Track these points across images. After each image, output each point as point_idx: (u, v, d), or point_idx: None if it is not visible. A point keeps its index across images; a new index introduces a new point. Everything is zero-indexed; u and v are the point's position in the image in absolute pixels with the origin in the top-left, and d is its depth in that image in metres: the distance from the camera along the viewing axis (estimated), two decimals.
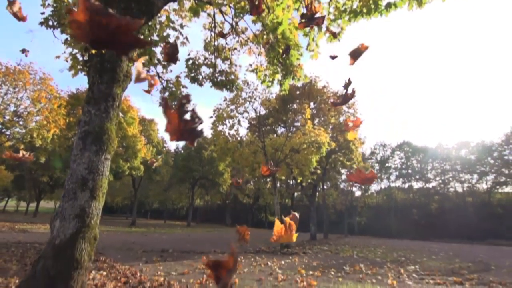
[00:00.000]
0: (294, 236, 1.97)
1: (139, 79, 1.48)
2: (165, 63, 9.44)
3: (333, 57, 3.44)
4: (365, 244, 16.50)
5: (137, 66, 1.52)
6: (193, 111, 1.37)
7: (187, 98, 1.41)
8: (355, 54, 2.83)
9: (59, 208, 3.55)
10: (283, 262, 8.26)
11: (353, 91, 2.91)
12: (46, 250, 3.38)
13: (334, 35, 5.97)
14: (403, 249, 14.07)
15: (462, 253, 13.03)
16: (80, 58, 4.29)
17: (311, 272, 6.71)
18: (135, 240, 12.87)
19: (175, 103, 1.49)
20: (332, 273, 6.81)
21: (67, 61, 4.38)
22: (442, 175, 34.19)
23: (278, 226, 1.99)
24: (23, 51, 7.54)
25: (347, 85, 2.90)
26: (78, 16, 0.93)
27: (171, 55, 2.61)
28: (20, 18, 2.81)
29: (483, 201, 31.52)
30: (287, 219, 2.13)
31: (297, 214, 2.42)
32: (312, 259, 9.33)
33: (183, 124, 1.32)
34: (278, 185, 31.24)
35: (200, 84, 9.08)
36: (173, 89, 9.72)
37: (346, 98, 2.89)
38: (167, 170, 29.15)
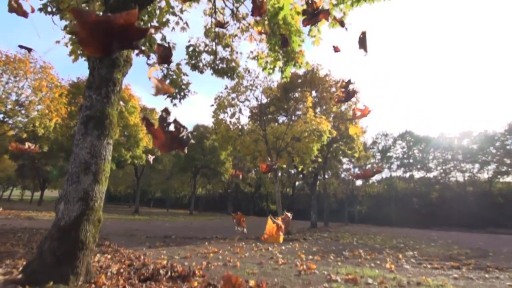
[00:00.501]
0: (281, 238, 2.01)
1: (158, 92, 1.36)
2: None
3: (336, 50, 3.38)
4: (365, 232, 16.72)
5: (153, 80, 1.36)
6: (175, 121, 1.39)
7: (166, 111, 1.44)
8: (363, 42, 2.78)
9: (63, 191, 3.62)
10: (283, 247, 8.42)
11: (354, 90, 2.86)
12: (52, 231, 3.47)
13: (342, 24, 5.84)
14: (402, 237, 14.25)
15: (461, 241, 13.18)
16: None
17: (310, 257, 6.85)
18: (138, 227, 13.10)
19: (159, 116, 1.45)
20: (332, 257, 6.95)
21: (67, 46, 4.37)
22: (444, 165, 34.21)
23: (270, 225, 2.03)
24: (28, 50, 7.50)
25: (347, 84, 2.86)
26: (81, 33, 0.95)
27: (164, 57, 2.54)
28: (21, 13, 2.72)
29: (484, 191, 31.64)
30: (278, 219, 2.17)
31: (289, 215, 2.45)
32: (312, 245, 9.49)
33: (169, 136, 1.35)
34: (279, 174, 31.39)
35: (201, 72, 9.02)
36: (174, 76, 9.67)
37: (349, 95, 2.85)
38: (169, 159, 29.35)
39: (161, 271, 4.24)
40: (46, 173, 34.87)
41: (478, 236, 17.18)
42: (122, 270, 4.36)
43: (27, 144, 3.12)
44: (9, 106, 19.63)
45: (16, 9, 2.65)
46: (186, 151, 1.38)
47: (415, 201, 33.52)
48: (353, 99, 17.77)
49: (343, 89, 2.92)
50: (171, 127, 1.39)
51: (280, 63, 8.09)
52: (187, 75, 9.64)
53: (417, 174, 36.77)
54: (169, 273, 4.25)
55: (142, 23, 7.16)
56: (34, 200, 44.45)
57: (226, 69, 9.44)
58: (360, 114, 2.80)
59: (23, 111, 19.68)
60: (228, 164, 29.64)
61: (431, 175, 35.35)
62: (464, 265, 6.64)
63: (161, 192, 45.90)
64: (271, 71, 8.17)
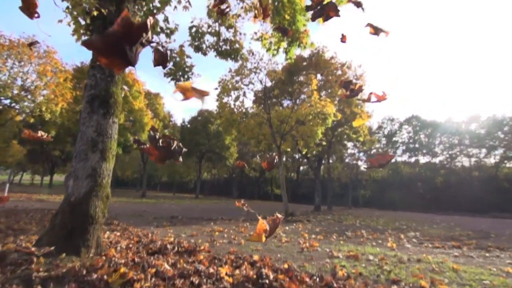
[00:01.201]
0: (263, 237, 2.04)
1: (186, 97, 1.41)
2: (168, 32, 9.24)
3: (343, 40, 3.30)
4: (368, 215, 16.90)
5: (179, 85, 1.41)
6: (164, 136, 1.49)
7: (153, 129, 1.53)
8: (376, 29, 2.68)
9: (72, 168, 3.72)
10: (287, 228, 8.60)
11: (360, 87, 2.76)
12: (63, 206, 3.61)
13: (358, 4, 5.60)
14: (405, 219, 14.39)
15: (464, 224, 13.27)
16: (83, 22, 4.25)
17: (313, 236, 7.00)
18: (145, 209, 13.44)
19: (148, 135, 1.52)
20: (334, 237, 7.09)
21: (69, 26, 4.35)
22: (450, 150, 33.88)
23: (261, 225, 2.06)
24: (31, 44, 7.49)
25: (346, 84, 2.77)
26: (102, 59, 1.01)
27: (161, 62, 2.50)
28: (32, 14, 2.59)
29: (490, 176, 31.41)
30: (269, 219, 2.19)
31: (280, 216, 2.49)
32: (315, 226, 9.66)
33: (162, 150, 1.45)
34: (284, 159, 31.47)
35: (204, 53, 8.94)
36: (177, 59, 9.60)
37: (354, 92, 2.76)
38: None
39: (168, 246, 4.40)
40: (54, 158, 35.58)
41: (481, 220, 17.25)
42: (131, 245, 4.54)
43: (40, 133, 3.16)
44: (15, 91, 19.80)
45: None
46: (181, 159, 1.51)
47: (419, 185, 33.51)
48: (360, 81, 17.50)
49: (344, 88, 2.84)
50: (161, 142, 1.50)
51: (284, 44, 7.95)
52: (190, 57, 9.55)
53: (423, 159, 36.55)
54: (176, 248, 4.41)
55: (144, 3, 7.06)
56: (44, 184, 45.64)
57: (229, 51, 9.33)
58: (376, 99, 2.66)
59: (29, 96, 19.86)
60: (233, 149, 29.80)
61: (436, 160, 35.12)
62: (465, 245, 6.73)
63: (168, 177, 46.59)
64: (275, 52, 8.04)
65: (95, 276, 2.68)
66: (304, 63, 16.03)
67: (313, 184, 21.73)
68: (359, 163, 31.80)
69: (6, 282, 2.56)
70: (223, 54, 9.22)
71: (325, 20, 2.87)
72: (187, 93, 1.39)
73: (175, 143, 1.43)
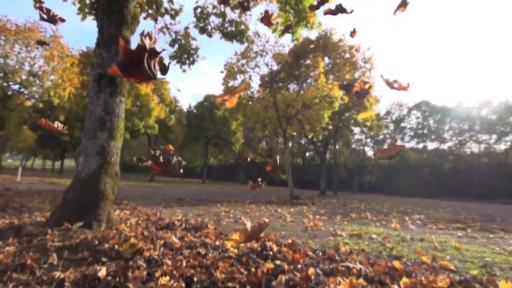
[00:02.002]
0: (236, 236, 2.03)
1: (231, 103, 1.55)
2: (173, 13, 9.12)
3: (352, 35, 3.21)
4: (374, 199, 16.98)
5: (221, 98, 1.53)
6: (163, 153, 1.63)
7: (154, 149, 1.65)
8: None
9: (81, 146, 3.82)
10: (292, 209, 8.73)
11: (368, 87, 2.63)
12: (74, 183, 3.73)
13: None
14: (411, 204, 14.43)
15: (470, 209, 13.25)
16: (87, 1, 4.24)
17: (318, 217, 7.11)
18: (154, 191, 13.75)
19: (149, 153, 1.65)
20: (338, 218, 7.19)
21: (74, 5, 4.34)
22: (459, 136, 33.32)
23: (243, 230, 2.07)
24: (41, 43, 7.44)
25: (347, 86, 2.67)
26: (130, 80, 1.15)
27: (161, 70, 2.47)
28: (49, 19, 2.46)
29: (499, 162, 30.93)
30: (256, 224, 2.19)
31: (267, 221, 2.52)
32: (320, 208, 9.78)
33: (163, 166, 1.59)
34: (290, 144, 31.37)
35: (209, 35, 8.82)
36: (183, 41, 9.52)
37: (362, 92, 2.64)
38: (180, 129, 29.79)
39: (176, 223, 4.54)
40: (64, 143, 36.27)
41: (489, 206, 17.16)
42: (140, 222, 4.70)
43: (56, 124, 3.20)
44: (24, 77, 20.02)
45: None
46: (181, 171, 1.69)
47: (427, 171, 33.27)
48: (368, 65, 17.12)
49: (344, 90, 2.75)
50: (161, 159, 1.63)
51: None
52: (195, 40, 9.46)
53: (431, 145, 36.10)
54: (184, 225, 4.55)
55: None
56: (55, 169, 46.84)
57: (235, 33, 9.19)
58: (398, 87, 2.50)
59: (37, 81, 20.08)
60: (239, 134, 29.89)
61: (445, 146, 34.63)
62: (469, 227, 6.75)
63: None
64: (281, 32, 7.90)
65: (106, 246, 2.81)
66: (312, 46, 15.70)
67: (319, 170, 21.78)
68: (366, 148, 31.57)
69: (23, 250, 2.71)
70: (228, 36, 9.09)
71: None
72: (231, 99, 1.49)
73: (175, 158, 1.59)
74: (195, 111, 30.97)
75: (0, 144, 32.04)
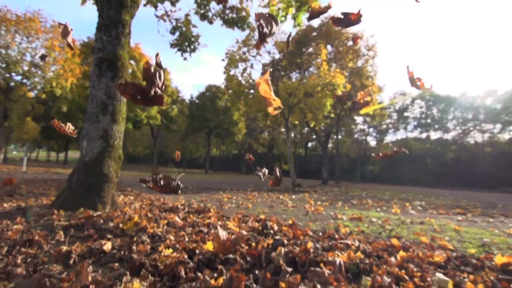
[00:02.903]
0: (210, 245, 2.04)
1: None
2: (174, 0, 9.02)
3: (355, 42, 3.06)
4: (376, 188, 17.05)
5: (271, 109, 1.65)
6: (164, 177, 1.84)
7: (156, 173, 1.86)
8: None
9: (84, 130, 3.87)
10: (294, 196, 8.82)
11: (368, 99, 2.47)
12: (78, 166, 3.80)
13: None
14: (412, 192, 14.48)
15: (472, 197, 13.27)
16: None
17: (319, 203, 7.17)
18: None
19: (151, 178, 1.86)
20: (340, 204, 7.26)
21: None
22: (463, 125, 33.04)
23: (216, 238, 2.07)
24: (42, 57, 7.37)
25: (342, 99, 2.54)
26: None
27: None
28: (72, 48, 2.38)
29: (502, 151, 30.74)
30: (232, 237, 2.17)
31: (245, 234, 2.54)
32: (321, 195, 9.86)
33: (163, 188, 1.84)
34: (292, 135, 31.34)
35: (210, 22, 8.74)
36: (183, 29, 9.44)
37: (363, 104, 2.51)
38: (183, 119, 29.82)
39: (179, 207, 4.63)
40: (67, 134, 36.47)
41: (490, 195, 17.16)
42: (144, 206, 4.79)
43: (68, 125, 3.19)
44: (26, 68, 20.01)
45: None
46: (180, 192, 1.94)
47: (429, 161, 33.19)
48: (371, 53, 16.89)
49: (339, 103, 2.63)
50: (162, 182, 1.85)
51: (292, 10, 7.69)
52: (196, 27, 9.38)
53: (434, 135, 35.87)
54: (187, 209, 4.64)
55: None
56: (59, 161, 47.31)
57: (236, 19, 9.10)
58: (420, 85, 2.30)
59: (39, 72, 20.07)
60: (241, 125, 29.88)
61: (448, 135, 34.41)
62: (470, 212, 6.80)
63: None
64: (283, 18, 7.80)
65: (111, 224, 2.89)
66: (314, 33, 15.48)
67: (321, 160, 21.81)
68: (369, 138, 31.46)
69: (31, 228, 2.79)
70: (229, 23, 9.00)
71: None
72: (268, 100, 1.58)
73: (174, 182, 1.86)
74: (197, 101, 30.91)
75: (5, 135, 32.33)
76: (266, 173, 3.10)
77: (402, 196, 11.50)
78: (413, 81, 2.17)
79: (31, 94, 23.59)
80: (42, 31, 19.30)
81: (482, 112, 31.49)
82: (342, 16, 2.37)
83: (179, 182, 1.98)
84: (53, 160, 53.44)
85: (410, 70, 2.08)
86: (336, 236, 3.01)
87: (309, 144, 39.03)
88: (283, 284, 1.57)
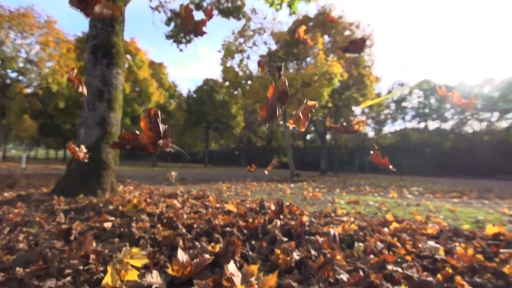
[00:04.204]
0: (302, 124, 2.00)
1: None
2: None
3: (347, 63, 2.99)
4: (374, 177, 17.17)
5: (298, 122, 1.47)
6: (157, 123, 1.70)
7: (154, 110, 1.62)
8: None
9: (82, 118, 3.89)
10: (292, 185, 8.89)
11: (358, 129, 2.37)
12: None
13: None
14: (410, 180, 14.60)
15: (469, 183, 13.39)
16: None
17: (317, 190, 7.25)
18: (157, 174, 13.94)
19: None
20: (338, 191, 7.33)
21: None
22: (461, 114, 33.14)
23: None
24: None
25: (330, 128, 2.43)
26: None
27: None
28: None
29: (500, 140, 30.88)
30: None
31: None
32: (320, 184, 9.94)
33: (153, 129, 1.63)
34: (291, 128, 31.47)
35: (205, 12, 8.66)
36: (179, 20, 9.36)
37: (352, 131, 2.40)
38: (181, 114, 29.75)
39: (178, 193, 4.68)
40: (65, 132, 36.43)
41: (487, 182, 17.32)
42: (143, 194, 4.84)
43: (82, 147, 3.13)
44: (21, 64, 19.86)
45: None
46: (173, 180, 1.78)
47: (428, 151, 33.33)
48: (368, 42, 16.79)
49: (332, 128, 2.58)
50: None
51: None
52: None
53: (432, 125, 35.96)
54: (186, 196, 4.68)
55: None
56: (58, 158, 47.30)
57: (231, 9, 9.03)
58: (455, 101, 2.04)
59: (35, 68, 19.94)
60: (239, 118, 29.85)
61: (447, 125, 34.52)
62: (466, 195, 6.89)
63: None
64: (278, 6, 7.75)
65: (111, 207, 2.93)
66: (311, 23, 15.39)
67: (320, 152, 21.89)
68: (367, 129, 31.53)
69: (32, 212, 2.83)
70: (224, 12, 8.94)
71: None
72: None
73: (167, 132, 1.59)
74: (194, 95, 30.80)
75: (3, 133, 32.19)
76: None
77: (400, 183, 11.60)
78: (444, 97, 1.90)
79: (27, 91, 23.42)
80: (36, 27, 19.10)
81: (479, 101, 31.54)
82: (349, 45, 2.36)
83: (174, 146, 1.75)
84: (52, 158, 53.41)
85: (440, 91, 1.79)
86: (333, 215, 3.07)
87: (308, 136, 39.08)
88: (278, 251, 1.62)
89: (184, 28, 1.62)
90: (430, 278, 1.25)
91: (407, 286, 1.21)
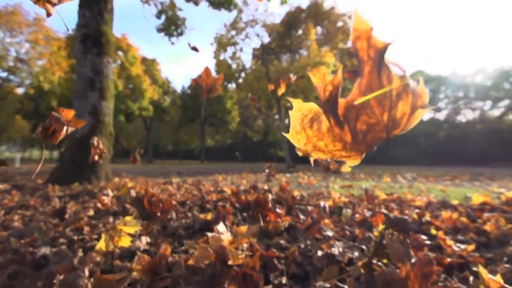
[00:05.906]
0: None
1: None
2: None
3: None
4: (369, 167, 17.34)
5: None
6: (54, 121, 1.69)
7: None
8: None
9: (73, 107, 3.88)
10: (288, 175, 8.97)
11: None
12: (69, 144, 3.83)
13: None
14: (404, 169, 14.78)
15: (462, 170, 13.59)
16: None
17: (313, 177, 7.32)
18: (153, 170, 13.94)
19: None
20: (332, 178, 7.41)
21: None
22: (454, 103, 33.48)
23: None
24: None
25: (316, 161, 2.46)
26: None
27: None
28: None
29: (493, 128, 31.28)
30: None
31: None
32: (315, 173, 10.03)
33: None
34: (286, 121, 31.43)
35: (196, 3, 8.62)
36: (169, 13, 9.31)
37: (334, 171, 2.36)
38: (176, 110, 29.62)
39: (173, 181, 4.71)
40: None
41: (481, 169, 17.58)
42: (139, 183, 4.86)
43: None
44: (11, 63, 19.56)
45: None
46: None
47: (422, 141, 33.66)
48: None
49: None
50: None
51: None
52: (181, 10, 9.26)
53: (426, 115, 36.29)
54: (181, 183, 4.72)
55: None
56: (53, 159, 46.87)
57: (222, 0, 8.98)
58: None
59: (25, 67, 19.65)
60: (234, 113, 29.79)
61: (440, 115, 34.88)
62: (458, 178, 7.02)
63: (172, 145, 47.33)
64: None
65: (106, 192, 2.95)
66: (303, 15, 15.33)
67: None
68: None
69: (27, 198, 2.85)
70: (215, 4, 8.90)
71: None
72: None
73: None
74: (189, 91, 30.64)
75: None
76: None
77: (393, 172, 11.74)
78: None
79: (18, 90, 23.09)
80: (25, 25, 18.79)
81: (472, 90, 31.89)
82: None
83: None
84: (47, 159, 52.88)
85: None
86: (326, 194, 3.13)
87: None
88: (269, 216, 1.66)
89: (201, 89, 1.61)
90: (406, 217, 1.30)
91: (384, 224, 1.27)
